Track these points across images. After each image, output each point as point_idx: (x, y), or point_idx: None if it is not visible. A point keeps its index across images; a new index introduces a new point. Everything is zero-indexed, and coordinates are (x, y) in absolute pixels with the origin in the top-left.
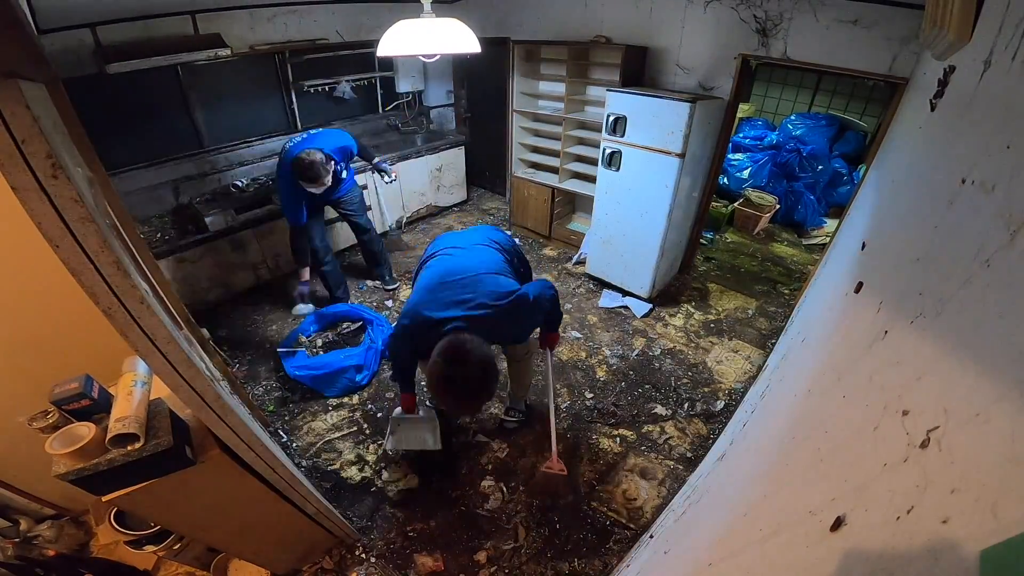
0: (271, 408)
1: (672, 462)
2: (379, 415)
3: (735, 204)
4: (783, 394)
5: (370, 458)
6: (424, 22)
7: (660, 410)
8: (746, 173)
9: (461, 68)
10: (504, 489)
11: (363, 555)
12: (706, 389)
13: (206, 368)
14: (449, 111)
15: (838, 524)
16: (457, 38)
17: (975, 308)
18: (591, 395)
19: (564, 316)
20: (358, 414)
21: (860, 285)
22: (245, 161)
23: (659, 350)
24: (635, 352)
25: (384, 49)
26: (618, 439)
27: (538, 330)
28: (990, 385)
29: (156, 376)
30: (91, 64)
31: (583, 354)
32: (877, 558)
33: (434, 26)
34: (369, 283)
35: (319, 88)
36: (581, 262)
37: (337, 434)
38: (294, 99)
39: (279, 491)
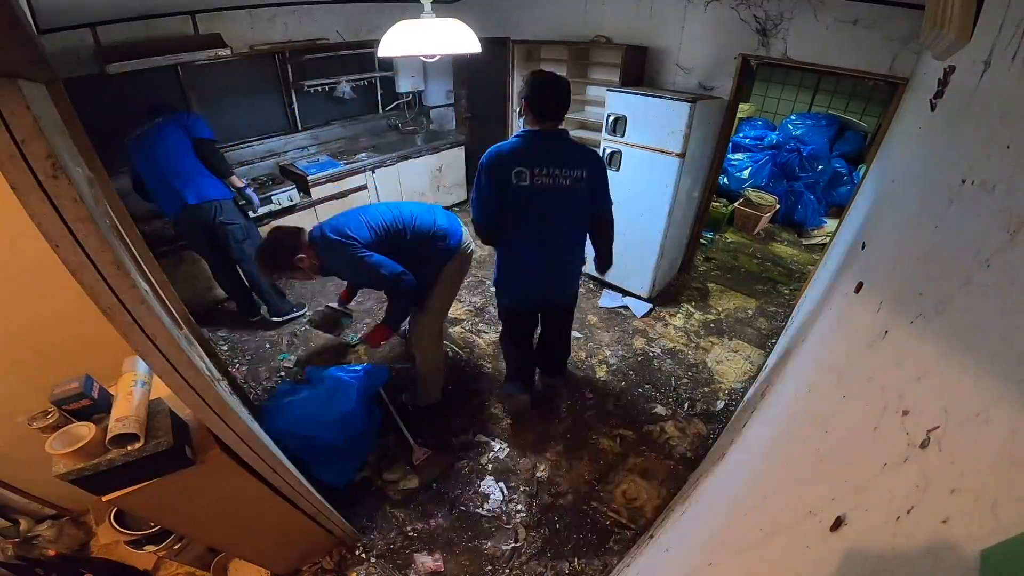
0: None
1: (672, 462)
2: (379, 413)
3: (735, 204)
4: (783, 394)
5: (370, 458)
6: (425, 22)
7: (660, 410)
8: (746, 173)
9: (461, 68)
10: (504, 489)
11: (363, 555)
12: (706, 389)
13: (206, 368)
14: (449, 111)
15: (838, 524)
16: (458, 38)
17: (975, 308)
18: (591, 395)
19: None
20: None
21: (860, 285)
22: (245, 161)
23: (659, 350)
24: (635, 352)
25: (385, 49)
26: (618, 439)
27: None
28: (990, 385)
29: (156, 376)
30: (91, 64)
31: (583, 354)
32: (877, 558)
33: (435, 26)
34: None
35: (319, 88)
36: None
37: None
38: (294, 99)
39: (279, 491)
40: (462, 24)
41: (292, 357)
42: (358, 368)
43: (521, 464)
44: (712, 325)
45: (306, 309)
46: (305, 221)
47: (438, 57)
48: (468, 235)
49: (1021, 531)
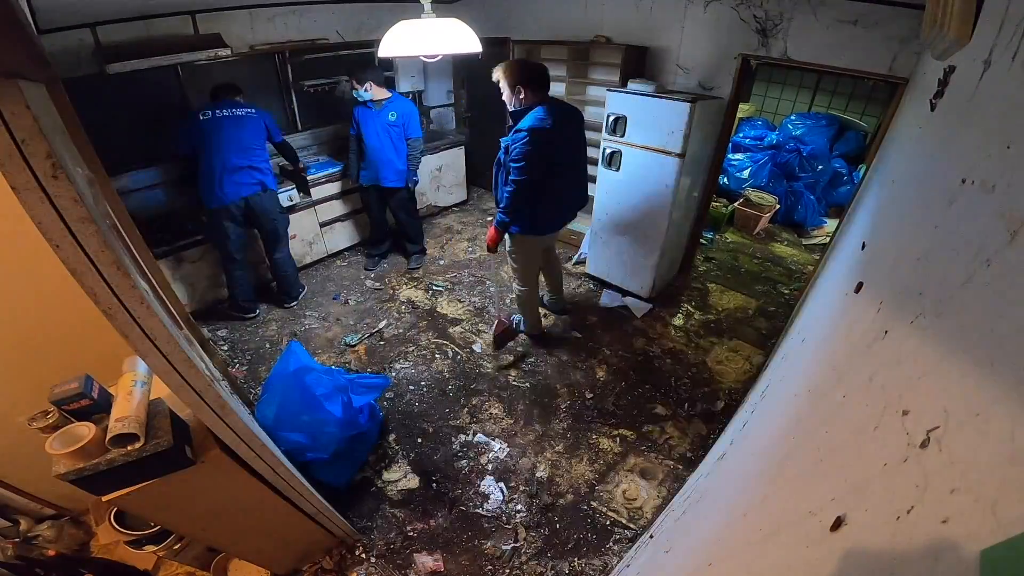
0: None
1: (672, 462)
2: (379, 414)
3: (735, 204)
4: (783, 394)
5: (370, 458)
6: (425, 22)
7: (660, 410)
8: (746, 173)
9: (461, 68)
10: (504, 489)
11: (363, 555)
12: (706, 389)
13: (206, 368)
14: (449, 111)
15: (838, 524)
16: (458, 38)
17: (975, 308)
18: (591, 395)
19: (564, 316)
20: None
21: (860, 285)
22: None
23: (659, 350)
24: (635, 352)
25: (385, 50)
26: (618, 439)
27: None
28: (990, 385)
29: (156, 376)
30: (91, 64)
31: (583, 354)
32: (877, 558)
33: (435, 26)
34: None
35: (319, 88)
36: (581, 262)
37: None
38: (294, 99)
39: (279, 491)
40: (462, 24)
41: None
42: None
43: (521, 464)
44: (712, 325)
45: (304, 291)
46: (305, 222)
47: (439, 57)
48: None
49: (1021, 531)
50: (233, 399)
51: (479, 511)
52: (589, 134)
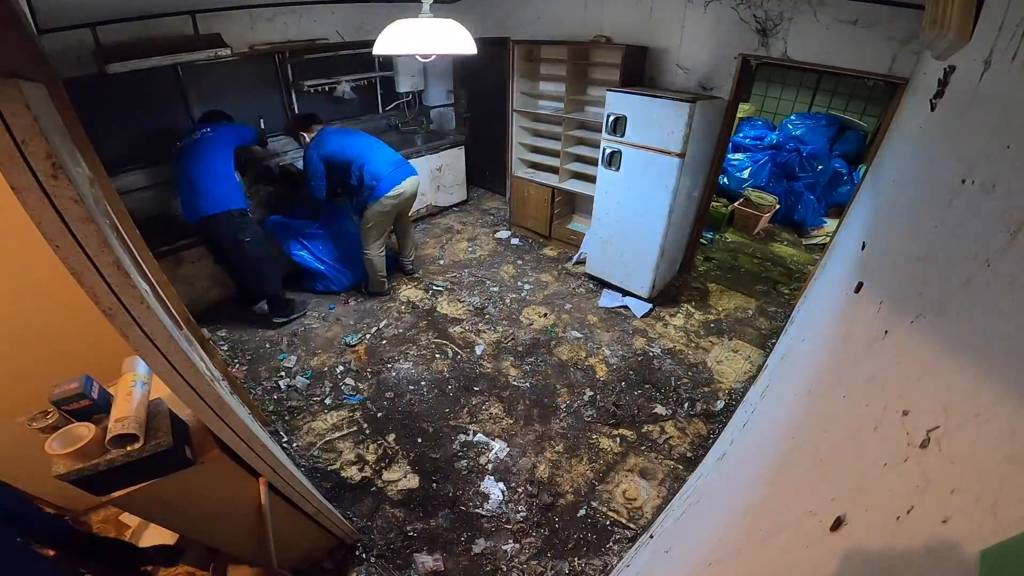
0: (271, 408)
1: (672, 462)
2: (379, 415)
3: (735, 204)
4: (783, 394)
5: (370, 458)
6: (420, 22)
7: (660, 410)
8: (746, 173)
9: (461, 68)
10: (504, 489)
11: (363, 555)
12: (706, 389)
13: (206, 368)
14: (449, 111)
15: (838, 524)
16: (453, 39)
17: (975, 308)
18: (591, 395)
19: (564, 316)
20: (358, 414)
21: (860, 285)
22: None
23: (659, 350)
24: (635, 352)
25: (379, 48)
26: (618, 439)
27: None
28: (990, 385)
29: (156, 376)
30: (91, 64)
31: (583, 354)
32: (877, 558)
33: (430, 27)
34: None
35: (319, 88)
36: (581, 262)
37: (337, 434)
38: (294, 99)
39: (279, 491)
40: (457, 25)
41: (292, 357)
42: None
43: (521, 464)
44: (712, 325)
45: (307, 310)
46: None
47: (434, 57)
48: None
49: (1021, 531)
50: (233, 399)
51: (479, 511)
52: (589, 134)
